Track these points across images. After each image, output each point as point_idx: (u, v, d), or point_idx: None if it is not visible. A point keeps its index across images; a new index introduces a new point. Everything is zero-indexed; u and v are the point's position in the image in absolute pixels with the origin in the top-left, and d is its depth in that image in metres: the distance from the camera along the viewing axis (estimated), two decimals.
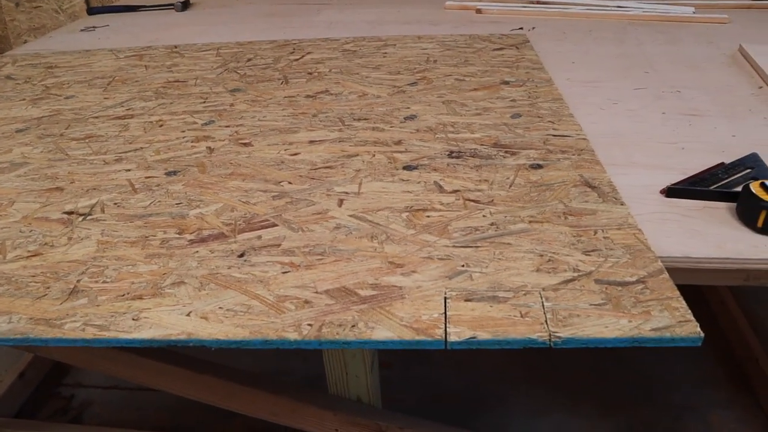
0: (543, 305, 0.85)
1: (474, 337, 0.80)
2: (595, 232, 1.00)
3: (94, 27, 2.49)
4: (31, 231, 1.10)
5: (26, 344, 0.87)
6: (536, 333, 0.81)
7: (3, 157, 1.38)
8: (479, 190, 1.13)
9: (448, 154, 1.27)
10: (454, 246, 0.98)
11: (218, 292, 0.91)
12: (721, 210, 1.10)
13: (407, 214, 1.07)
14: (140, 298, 0.91)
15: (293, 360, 2.22)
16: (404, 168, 1.23)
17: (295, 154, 1.31)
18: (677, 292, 0.87)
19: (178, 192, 1.19)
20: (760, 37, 2.03)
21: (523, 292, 0.88)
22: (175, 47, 2.10)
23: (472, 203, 1.10)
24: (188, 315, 0.87)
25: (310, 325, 0.84)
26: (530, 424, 1.96)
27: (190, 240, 1.04)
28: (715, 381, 2.08)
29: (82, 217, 1.13)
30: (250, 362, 2.20)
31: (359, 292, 0.89)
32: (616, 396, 2.04)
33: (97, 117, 1.56)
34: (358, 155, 1.29)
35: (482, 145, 1.31)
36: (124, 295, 0.92)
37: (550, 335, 0.80)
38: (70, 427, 1.89)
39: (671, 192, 1.14)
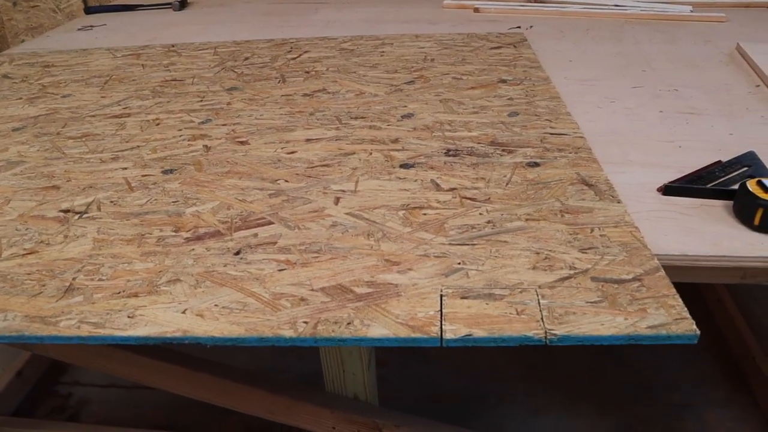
0: (539, 303, 0.85)
1: (470, 335, 0.80)
2: (592, 230, 1.00)
3: (91, 26, 2.49)
4: (27, 229, 1.10)
5: (22, 342, 0.86)
6: (532, 330, 0.81)
7: None
8: (476, 188, 1.13)
9: (445, 153, 1.27)
10: (450, 244, 0.98)
11: (214, 289, 0.91)
12: (718, 208, 1.10)
13: (404, 212, 1.07)
14: (136, 295, 0.91)
15: (289, 357, 2.22)
16: (401, 166, 1.23)
17: (292, 153, 1.31)
18: (673, 290, 0.87)
19: (174, 190, 1.19)
20: (758, 35, 2.03)
21: (519, 290, 0.88)
22: (173, 46, 2.10)
23: (468, 201, 1.09)
24: (184, 312, 0.87)
25: (305, 322, 0.84)
26: (528, 423, 1.96)
27: (186, 238, 1.04)
28: (713, 379, 2.08)
29: (78, 215, 1.13)
30: (246, 359, 2.20)
31: (355, 289, 0.89)
32: (614, 395, 2.04)
33: (93, 116, 1.56)
34: (354, 153, 1.29)
35: (479, 143, 1.31)
36: (119, 293, 0.92)
37: (546, 333, 0.80)
38: (68, 426, 1.88)
39: (668, 190, 1.14)
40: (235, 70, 1.83)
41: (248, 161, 1.28)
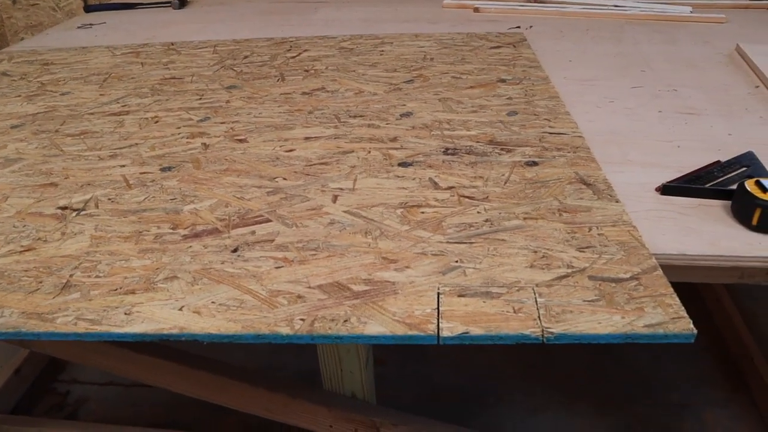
0: (536, 301, 0.85)
1: (466, 333, 0.80)
2: (590, 229, 1.00)
3: (91, 24, 2.49)
4: (25, 226, 1.10)
5: (18, 338, 0.86)
6: (529, 329, 0.81)
7: None
8: (474, 187, 1.13)
9: (444, 151, 1.27)
10: (448, 242, 0.98)
11: (211, 286, 0.91)
12: (717, 208, 1.10)
13: (402, 210, 1.07)
14: (133, 292, 0.91)
15: (286, 355, 2.22)
16: (399, 164, 1.23)
17: (291, 151, 1.31)
18: (671, 289, 0.87)
19: (172, 187, 1.19)
20: (758, 36, 2.03)
21: (517, 288, 0.88)
22: (172, 44, 2.10)
23: (466, 200, 1.09)
24: (181, 309, 0.87)
25: (302, 319, 0.84)
26: (527, 423, 1.96)
27: (184, 235, 1.04)
28: (711, 379, 2.08)
29: (76, 212, 1.13)
30: (243, 357, 2.20)
31: (352, 287, 0.89)
32: (612, 394, 2.04)
33: (92, 113, 1.56)
34: (353, 152, 1.29)
35: (478, 142, 1.31)
36: (116, 290, 0.92)
37: (542, 331, 0.80)
38: (66, 423, 1.88)
39: (667, 190, 1.14)
40: (235, 69, 1.82)
41: (246, 159, 1.28)
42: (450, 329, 0.81)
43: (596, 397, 2.03)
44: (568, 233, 0.99)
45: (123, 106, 1.60)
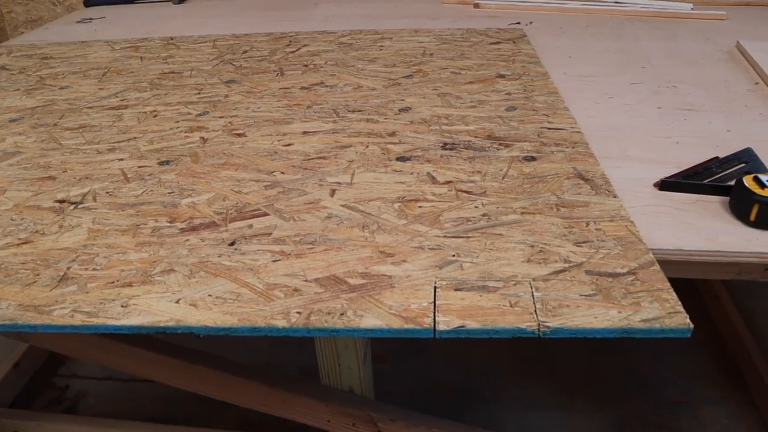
0: (533, 295, 0.85)
1: (463, 326, 0.80)
2: (587, 224, 1.00)
3: (90, 19, 2.48)
4: (23, 219, 1.10)
5: (15, 330, 0.86)
6: (525, 323, 0.81)
7: None
8: (472, 182, 1.13)
9: (442, 146, 1.27)
10: (445, 236, 0.98)
11: (208, 279, 0.91)
12: (715, 204, 1.09)
13: (399, 204, 1.07)
14: (130, 285, 0.91)
15: (286, 351, 2.22)
16: (397, 159, 1.23)
17: (289, 145, 1.31)
18: (668, 284, 0.87)
19: (170, 181, 1.19)
20: (758, 33, 2.03)
21: (513, 282, 0.88)
22: (171, 39, 2.10)
23: (464, 194, 1.09)
24: (177, 302, 0.87)
25: (298, 312, 0.84)
26: (524, 418, 1.96)
27: (182, 228, 1.04)
28: (708, 376, 2.08)
29: (74, 205, 1.13)
30: (243, 353, 2.21)
31: (349, 280, 0.89)
32: (610, 391, 2.04)
33: (91, 107, 1.56)
34: (351, 146, 1.29)
35: (476, 137, 1.30)
36: (113, 283, 0.92)
37: (539, 325, 0.80)
38: (65, 418, 1.88)
39: (665, 185, 1.14)
40: (234, 63, 1.82)
41: (245, 153, 1.28)
42: (446, 323, 0.81)
43: (594, 393, 2.03)
44: (566, 228, 0.99)
45: (122, 100, 1.60)
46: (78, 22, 2.45)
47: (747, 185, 1.03)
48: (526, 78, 1.61)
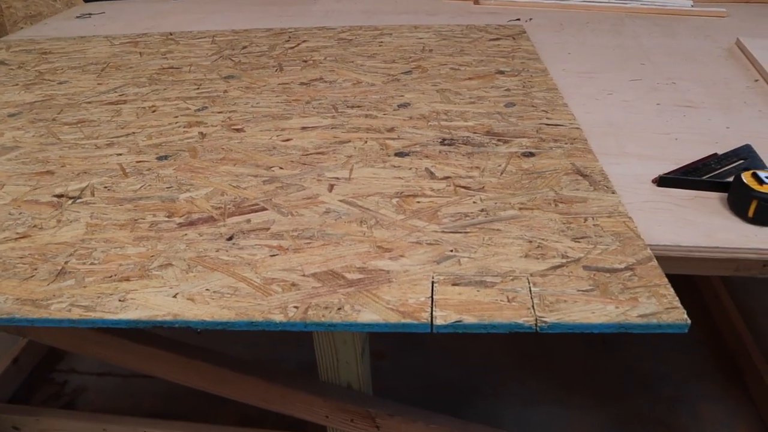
0: (530, 290, 0.85)
1: (460, 321, 0.80)
2: (585, 220, 1.00)
3: (89, 14, 2.48)
4: (21, 213, 1.10)
5: (12, 324, 0.86)
6: (522, 317, 0.81)
7: None
8: (470, 177, 1.13)
9: (441, 142, 1.27)
10: (443, 231, 0.98)
11: (205, 274, 0.91)
12: (713, 200, 1.09)
13: (397, 199, 1.07)
14: (127, 279, 0.91)
15: (285, 347, 2.22)
16: (396, 154, 1.23)
17: (288, 140, 1.31)
18: (665, 280, 0.87)
19: (168, 176, 1.19)
20: (758, 30, 2.02)
21: (511, 278, 0.88)
22: (171, 34, 2.10)
23: (462, 190, 1.09)
24: (175, 297, 0.87)
25: (296, 307, 0.84)
26: (522, 414, 1.96)
27: (179, 223, 1.04)
28: (707, 373, 2.09)
29: (72, 200, 1.13)
30: (244, 349, 2.21)
31: (346, 275, 0.89)
32: (608, 387, 2.04)
33: (90, 102, 1.56)
34: (350, 141, 1.29)
35: (475, 133, 1.30)
36: (111, 277, 0.92)
37: (536, 320, 0.80)
38: (64, 413, 1.88)
39: (663, 181, 1.14)
40: (233, 59, 1.82)
41: (243, 148, 1.28)
42: (443, 318, 0.81)
43: (592, 389, 2.03)
44: (564, 223, 0.99)
45: (120, 95, 1.59)
46: (77, 17, 2.45)
47: (745, 181, 1.03)
48: (526, 74, 1.60)
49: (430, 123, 1.35)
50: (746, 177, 1.04)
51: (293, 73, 1.69)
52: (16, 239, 1.02)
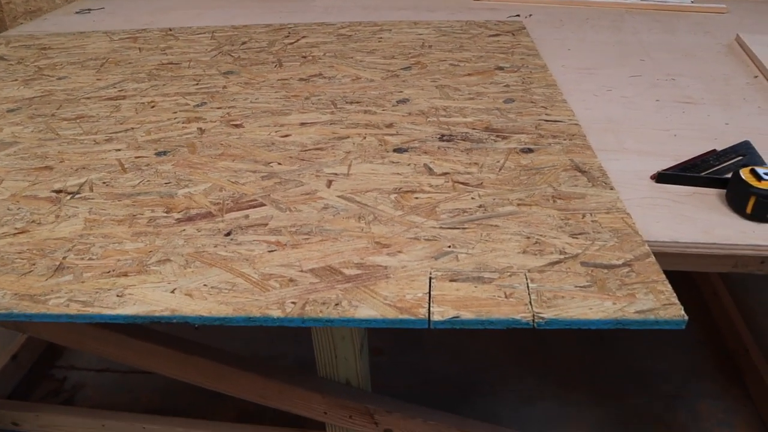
0: (528, 286, 0.85)
1: (457, 317, 0.80)
2: (583, 216, 1.00)
3: (89, 9, 2.48)
4: (19, 209, 1.10)
5: (10, 319, 0.86)
6: (520, 314, 0.81)
7: None
8: (469, 173, 1.13)
9: (439, 138, 1.27)
10: (441, 227, 0.98)
11: (203, 269, 0.91)
12: (711, 196, 1.09)
13: (396, 195, 1.07)
14: (125, 275, 0.91)
15: (284, 343, 2.22)
16: (394, 150, 1.23)
17: (286, 136, 1.31)
18: (663, 276, 0.86)
19: (167, 172, 1.19)
20: (758, 27, 2.02)
21: (509, 273, 0.88)
22: (170, 30, 2.09)
23: (461, 186, 1.09)
24: (173, 292, 0.87)
25: (293, 302, 0.84)
26: (521, 412, 1.97)
27: (178, 219, 1.04)
28: (706, 371, 2.08)
29: (71, 195, 1.13)
30: (243, 346, 2.21)
31: (344, 271, 0.89)
32: (607, 385, 2.04)
33: (89, 98, 1.56)
34: (348, 137, 1.29)
35: (474, 129, 1.30)
36: (109, 272, 0.92)
37: (533, 316, 0.80)
38: (63, 409, 1.88)
39: (662, 177, 1.14)
40: (232, 54, 1.82)
41: (242, 144, 1.28)
42: (441, 313, 0.81)
43: (590, 386, 2.03)
44: (562, 219, 0.99)
45: (120, 90, 1.59)
46: (77, 12, 2.44)
47: (744, 178, 1.03)
48: (525, 70, 1.60)
49: (429, 119, 1.35)
50: (744, 173, 1.04)
51: (292, 68, 1.69)
52: (14, 234, 1.02)
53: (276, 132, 1.33)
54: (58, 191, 1.15)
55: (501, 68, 1.62)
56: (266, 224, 1.01)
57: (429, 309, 0.82)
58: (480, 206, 1.03)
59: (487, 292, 0.84)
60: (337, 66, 1.69)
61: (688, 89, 1.54)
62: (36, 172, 1.22)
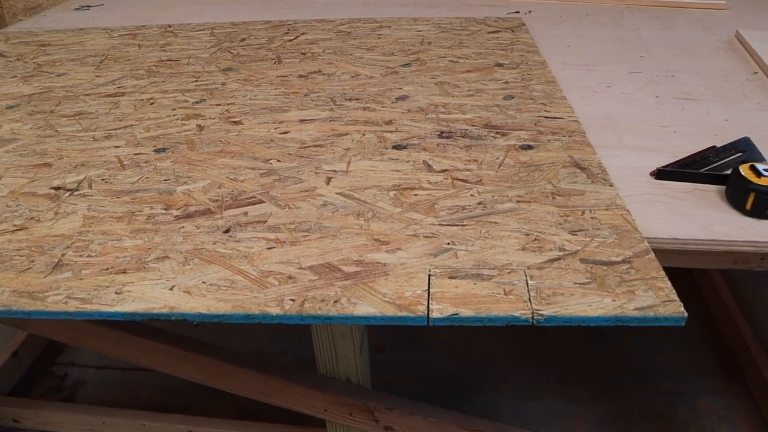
0: (527, 283, 0.85)
1: (456, 314, 0.80)
2: (583, 213, 1.00)
3: (88, 6, 2.47)
4: (18, 205, 1.10)
5: (9, 316, 0.86)
6: (519, 310, 0.80)
7: None
8: (468, 170, 1.13)
9: (439, 134, 1.27)
10: (440, 224, 0.98)
11: (202, 267, 0.91)
12: (711, 193, 1.09)
13: (395, 192, 1.07)
14: (124, 272, 0.91)
15: (285, 341, 2.23)
16: (394, 147, 1.22)
17: (285, 133, 1.30)
18: (662, 273, 0.86)
19: (166, 168, 1.19)
20: (758, 23, 2.02)
21: (508, 270, 0.87)
22: (169, 27, 2.09)
23: (460, 182, 1.09)
24: (171, 289, 0.87)
25: (292, 300, 0.84)
26: (521, 409, 1.97)
27: (177, 216, 1.04)
28: (706, 368, 2.09)
29: (70, 192, 1.13)
30: (243, 343, 2.21)
31: (343, 268, 0.89)
32: (607, 382, 2.04)
33: (88, 94, 1.56)
34: (348, 134, 1.29)
35: (473, 125, 1.30)
36: (108, 269, 0.92)
37: (533, 313, 0.80)
38: (63, 406, 1.89)
39: (661, 174, 1.14)
40: (231, 51, 1.82)
41: (241, 141, 1.28)
42: (440, 311, 0.81)
43: (591, 383, 2.04)
44: (561, 216, 0.99)
45: (119, 87, 1.59)
46: (76, 9, 2.44)
47: (743, 174, 1.03)
48: (524, 67, 1.60)
49: (428, 116, 1.35)
50: (744, 169, 1.04)
51: (292, 65, 1.68)
52: (13, 231, 1.02)
53: (275, 129, 1.32)
54: (57, 188, 1.15)
55: (500, 65, 1.62)
56: (265, 221, 1.01)
57: (428, 306, 0.82)
58: (479, 203, 1.03)
59: (487, 289, 0.84)
60: (336, 63, 1.69)
61: (688, 85, 1.53)
62: (35, 169, 1.22)
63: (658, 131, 1.31)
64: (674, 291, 0.83)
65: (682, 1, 2.22)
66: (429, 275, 0.87)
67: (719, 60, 1.70)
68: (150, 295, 0.86)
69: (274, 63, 1.71)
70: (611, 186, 1.07)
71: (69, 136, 1.34)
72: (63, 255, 0.95)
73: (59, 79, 1.66)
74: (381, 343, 2.20)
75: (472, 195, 1.05)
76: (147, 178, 1.16)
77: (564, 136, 1.24)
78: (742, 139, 1.24)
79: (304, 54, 1.77)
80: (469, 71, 1.58)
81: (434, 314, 0.81)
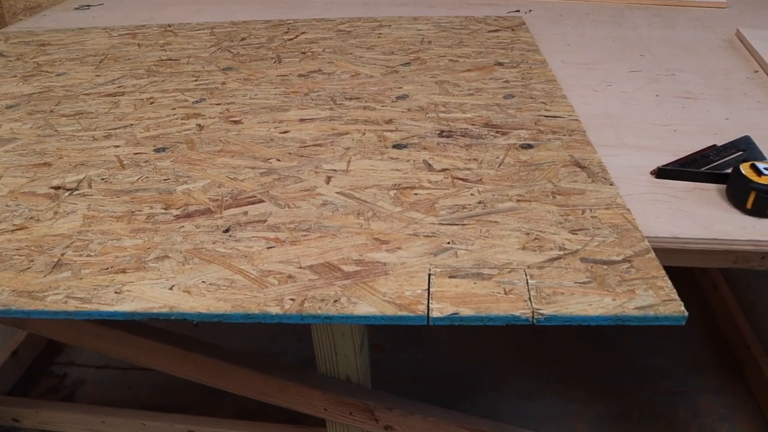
0: (527, 282, 0.85)
1: (456, 313, 0.80)
2: (583, 212, 1.00)
3: (88, 5, 2.47)
4: (18, 205, 1.09)
5: (8, 316, 0.86)
6: (519, 310, 0.80)
7: None
8: (468, 169, 1.13)
9: (439, 134, 1.27)
10: (440, 223, 0.98)
11: (202, 266, 0.91)
12: (711, 191, 1.09)
13: (395, 191, 1.07)
14: (123, 271, 0.91)
15: (285, 341, 2.22)
16: (394, 146, 1.22)
17: (285, 132, 1.30)
18: (663, 272, 0.86)
19: (166, 168, 1.19)
20: (758, 21, 2.02)
21: (508, 270, 0.87)
22: (169, 26, 2.09)
23: (460, 182, 1.09)
24: (171, 289, 0.87)
25: (292, 299, 0.83)
26: (521, 409, 1.97)
27: (176, 215, 1.04)
28: (707, 367, 2.09)
29: (69, 191, 1.13)
30: (243, 342, 2.21)
31: (343, 267, 0.89)
32: (607, 381, 2.04)
33: (87, 94, 1.55)
34: (348, 133, 1.28)
35: (473, 124, 1.30)
36: (107, 269, 0.91)
37: (533, 312, 0.80)
38: (63, 406, 1.89)
39: (661, 173, 1.13)
40: (231, 51, 1.81)
41: (241, 140, 1.28)
42: (440, 310, 0.81)
43: (591, 383, 2.04)
44: (561, 215, 0.99)
45: (118, 87, 1.59)
46: (76, 8, 2.44)
47: (744, 173, 1.03)
48: (525, 66, 1.60)
49: (428, 115, 1.35)
50: (745, 168, 1.04)
51: (292, 64, 1.68)
52: (12, 231, 1.02)
53: (275, 128, 1.32)
54: (57, 188, 1.14)
55: (500, 64, 1.61)
56: (265, 221, 1.01)
57: (428, 305, 0.81)
58: (479, 202, 1.03)
59: (487, 289, 0.84)
60: (336, 62, 1.68)
61: (688, 84, 1.53)
62: (34, 169, 1.21)
63: (658, 130, 1.31)
64: (675, 290, 0.83)
65: (683, 0, 2.22)
66: (429, 275, 0.87)
67: (719, 59, 1.70)
68: (150, 294, 0.86)
69: (274, 62, 1.70)
70: (611, 185, 1.06)
71: (69, 136, 1.34)
72: (62, 254, 0.95)
73: (59, 79, 1.66)
74: (381, 343, 2.20)
75: (472, 194, 1.05)
76: (147, 177, 1.16)
77: (564, 135, 1.24)
78: (742, 137, 1.24)
79: (304, 53, 1.77)
80: (469, 70, 1.58)
81: (434, 314, 0.80)
